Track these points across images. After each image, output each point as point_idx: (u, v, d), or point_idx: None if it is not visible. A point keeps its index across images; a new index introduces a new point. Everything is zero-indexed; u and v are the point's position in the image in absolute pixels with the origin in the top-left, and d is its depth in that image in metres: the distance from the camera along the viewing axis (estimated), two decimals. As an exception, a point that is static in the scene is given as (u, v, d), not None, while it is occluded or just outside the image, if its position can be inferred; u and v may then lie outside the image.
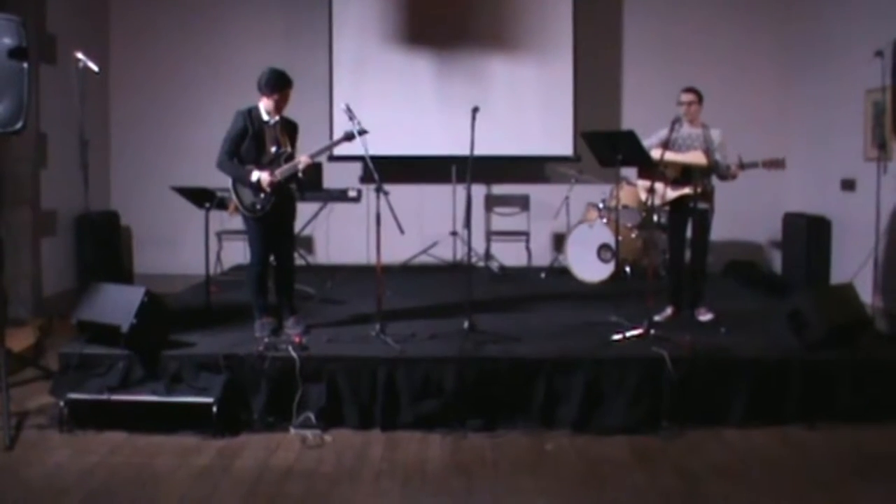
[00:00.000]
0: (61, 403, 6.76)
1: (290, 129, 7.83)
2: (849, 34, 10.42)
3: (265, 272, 7.86)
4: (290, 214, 8.04)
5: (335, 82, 11.87)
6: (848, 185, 10.36)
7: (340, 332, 7.79)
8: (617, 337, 7.50)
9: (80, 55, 7.79)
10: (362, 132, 7.57)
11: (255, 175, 7.51)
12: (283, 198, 7.75)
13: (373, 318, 7.76)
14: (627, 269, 10.63)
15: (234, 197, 7.67)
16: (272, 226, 7.75)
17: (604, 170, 8.81)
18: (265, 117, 7.64)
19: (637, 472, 6.03)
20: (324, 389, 6.93)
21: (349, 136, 7.62)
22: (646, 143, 8.03)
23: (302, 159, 7.64)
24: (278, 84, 7.57)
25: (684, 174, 8.07)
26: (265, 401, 6.91)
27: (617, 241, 8.85)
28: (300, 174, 7.70)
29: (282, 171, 7.58)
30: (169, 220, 11.78)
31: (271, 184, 7.51)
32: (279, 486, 5.75)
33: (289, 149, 7.76)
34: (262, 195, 7.56)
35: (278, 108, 7.64)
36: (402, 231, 7.57)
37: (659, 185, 8.16)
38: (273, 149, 7.67)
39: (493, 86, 11.84)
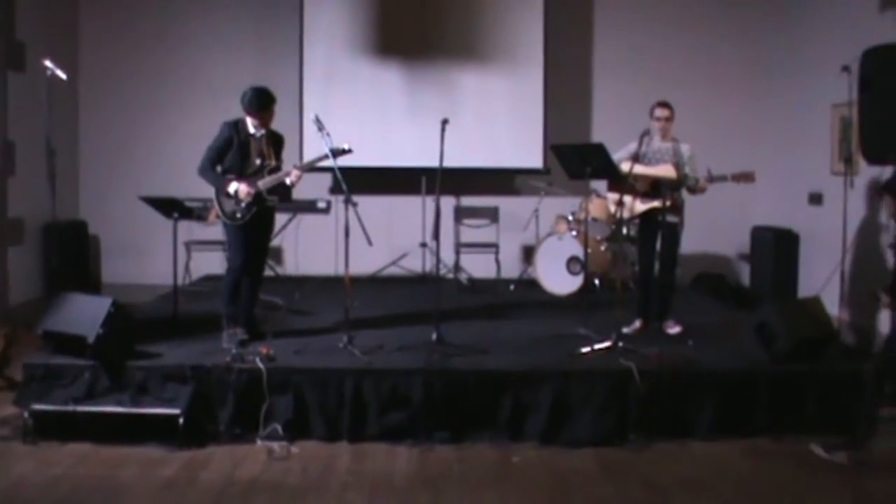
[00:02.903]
0: (25, 414, 6.71)
1: (276, 142, 7.95)
2: (817, 49, 10.51)
3: (241, 280, 7.87)
4: (269, 226, 8.14)
5: (305, 93, 11.86)
6: (815, 198, 10.43)
7: (308, 344, 7.76)
8: (585, 349, 7.51)
9: (48, 63, 7.75)
10: (346, 150, 7.65)
11: (233, 187, 7.60)
12: (264, 209, 7.83)
13: (340, 330, 7.75)
14: (596, 281, 10.64)
15: (215, 204, 7.75)
16: (252, 235, 7.79)
17: (573, 182, 8.84)
18: (251, 130, 7.74)
19: (604, 485, 6.04)
20: (291, 401, 6.90)
21: (338, 152, 7.64)
22: (616, 156, 8.07)
23: (294, 172, 7.71)
24: (261, 103, 7.68)
25: (654, 187, 8.09)
26: (232, 412, 6.88)
27: (586, 254, 8.86)
28: (290, 184, 7.78)
29: (265, 182, 7.69)
30: (137, 229, 11.69)
31: (248, 195, 7.55)
32: (245, 499, 5.73)
33: (273, 161, 7.85)
34: (242, 204, 7.61)
35: (263, 123, 7.74)
36: (370, 243, 7.59)
37: (628, 199, 8.17)
38: (258, 161, 7.76)
39: (464, 98, 11.85)
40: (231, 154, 7.69)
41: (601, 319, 8.15)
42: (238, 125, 7.72)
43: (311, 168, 8.03)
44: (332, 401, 6.95)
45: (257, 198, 7.67)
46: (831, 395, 7.05)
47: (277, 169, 7.83)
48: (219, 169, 7.72)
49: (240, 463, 6.35)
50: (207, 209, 8.22)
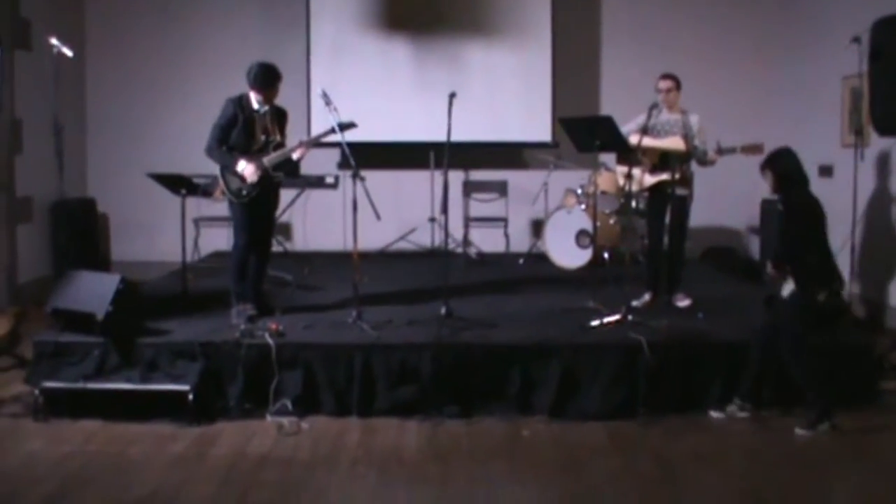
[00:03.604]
0: (36, 392, 6.72)
1: (279, 118, 7.87)
2: (827, 20, 10.43)
3: (248, 258, 7.84)
4: (274, 203, 8.08)
5: (312, 68, 11.83)
6: (825, 171, 10.37)
7: (317, 319, 7.76)
8: (595, 322, 7.49)
9: (53, 40, 7.74)
10: (351, 125, 7.58)
11: (241, 166, 7.53)
12: (269, 186, 7.77)
13: (350, 305, 7.74)
14: (605, 255, 10.61)
15: (221, 182, 7.70)
16: (257, 212, 7.76)
17: (582, 156, 8.82)
18: (255, 106, 7.67)
19: (614, 458, 6.04)
20: (300, 376, 6.91)
21: (342, 127, 7.60)
22: (624, 128, 8.04)
23: (298, 150, 7.68)
24: (267, 79, 7.60)
25: (663, 160, 8.07)
26: (241, 388, 6.89)
27: (595, 227, 8.84)
28: (295, 159, 7.75)
29: (270, 158, 7.62)
30: (146, 206, 11.66)
31: (255, 173, 7.51)
32: (255, 474, 5.73)
33: (278, 137, 7.79)
34: (248, 182, 7.56)
35: (268, 99, 7.68)
36: (378, 217, 7.55)
37: (637, 171, 8.15)
38: (262, 137, 7.70)
39: (471, 71, 11.82)
40: (236, 131, 7.62)
41: (610, 293, 8.14)
42: (242, 101, 7.65)
43: (317, 143, 8.00)
44: (341, 376, 6.95)
45: (263, 175, 7.64)
46: (841, 367, 7.04)
47: (282, 145, 7.79)
48: (224, 147, 7.67)
49: (250, 439, 6.36)
50: (214, 185, 8.18)
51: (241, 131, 7.62)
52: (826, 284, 6.59)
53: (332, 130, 7.64)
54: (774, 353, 6.63)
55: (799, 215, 6.70)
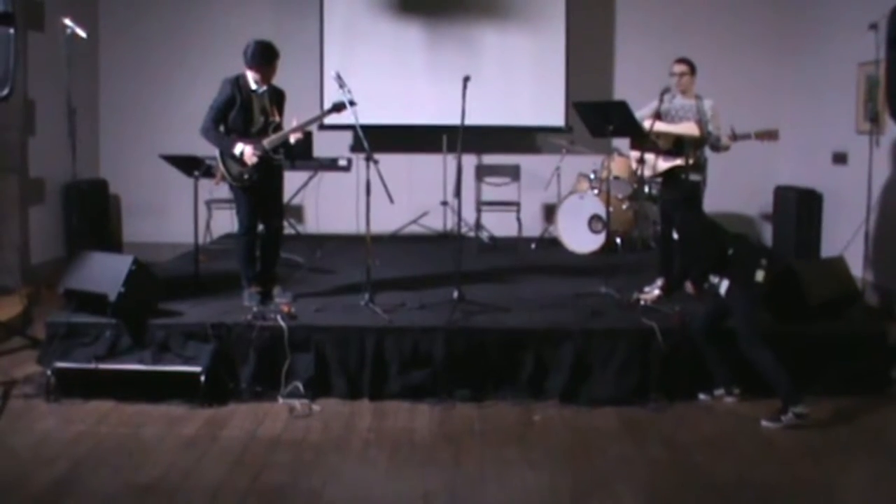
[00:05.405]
0: (48, 372, 6.76)
1: (277, 98, 7.74)
2: (843, 7, 10.36)
3: (254, 242, 7.80)
4: (278, 183, 7.99)
5: (326, 50, 11.80)
6: (840, 158, 10.33)
7: (329, 302, 7.77)
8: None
9: (67, 21, 7.73)
10: (351, 103, 7.51)
11: (239, 148, 7.42)
12: (271, 167, 7.68)
13: (362, 288, 7.74)
14: (618, 240, 10.59)
15: (220, 166, 7.59)
16: (260, 195, 7.69)
17: (595, 140, 8.80)
18: (253, 86, 7.54)
19: (625, 444, 6.04)
20: (312, 359, 6.92)
21: (338, 107, 7.57)
22: (638, 113, 8.01)
23: (295, 133, 7.59)
24: (264, 57, 7.47)
25: (676, 145, 8.03)
26: (253, 370, 6.90)
27: (608, 212, 8.84)
28: (292, 143, 7.65)
29: (270, 141, 7.52)
30: (158, 188, 11.69)
31: (254, 155, 7.43)
32: (266, 456, 5.74)
33: (277, 118, 7.68)
34: (249, 165, 7.49)
35: (266, 79, 7.56)
36: (391, 200, 7.54)
37: (650, 157, 8.12)
38: (261, 118, 7.59)
39: (485, 55, 11.77)
40: (234, 113, 7.49)
41: (623, 278, 8.12)
42: (239, 81, 7.50)
43: (321, 124, 7.93)
44: (353, 359, 6.96)
45: (264, 157, 7.53)
46: (854, 355, 7.03)
47: (280, 126, 7.67)
48: (221, 129, 7.56)
49: (261, 421, 6.38)
50: (214, 169, 8.07)
51: (238, 113, 7.48)
52: (756, 263, 6.56)
53: (325, 112, 7.60)
54: (720, 341, 6.72)
55: (697, 233, 6.99)
